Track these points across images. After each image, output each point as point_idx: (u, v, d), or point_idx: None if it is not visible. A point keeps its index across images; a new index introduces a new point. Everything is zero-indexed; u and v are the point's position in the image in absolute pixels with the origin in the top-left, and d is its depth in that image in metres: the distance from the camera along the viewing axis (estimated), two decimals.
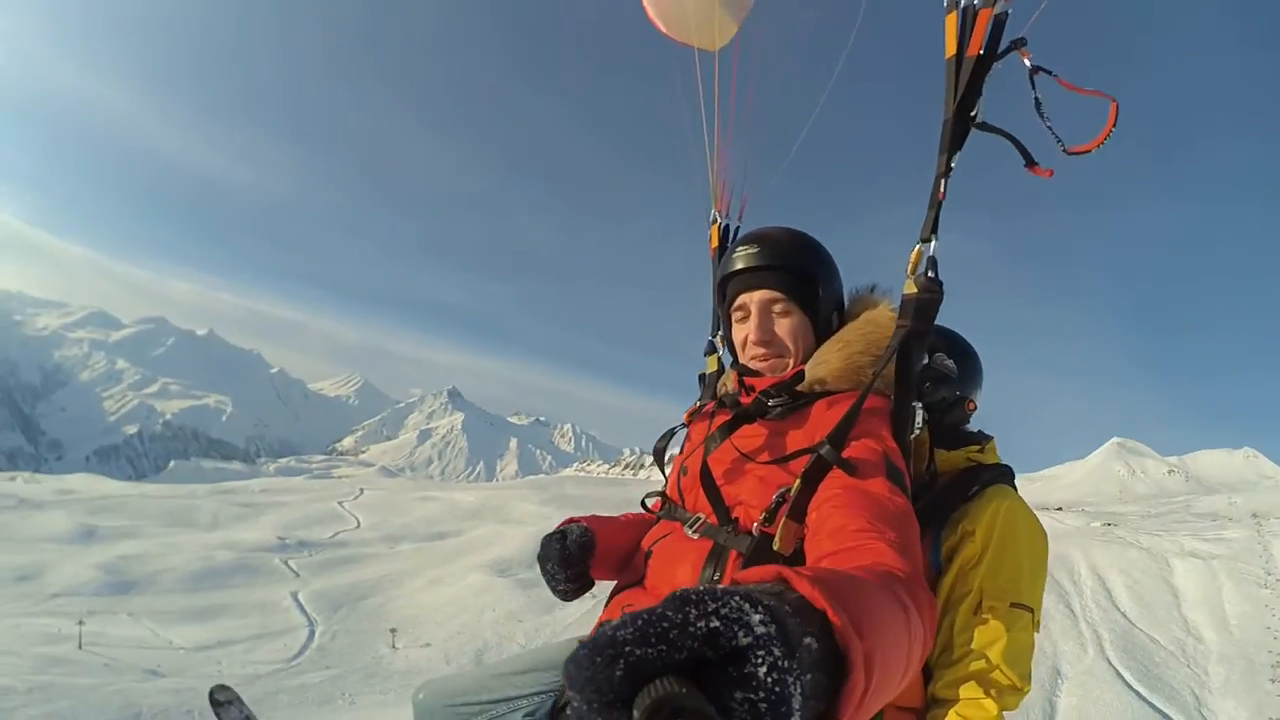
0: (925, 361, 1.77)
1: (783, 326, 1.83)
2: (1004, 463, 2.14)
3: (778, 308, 1.83)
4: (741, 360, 1.92)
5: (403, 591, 27.61)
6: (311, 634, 22.57)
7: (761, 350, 1.84)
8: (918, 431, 1.73)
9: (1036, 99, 1.65)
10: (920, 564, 1.27)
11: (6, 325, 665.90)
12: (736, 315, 1.90)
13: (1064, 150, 1.62)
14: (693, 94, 2.51)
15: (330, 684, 16.77)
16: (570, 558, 1.81)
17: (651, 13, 2.72)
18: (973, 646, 1.73)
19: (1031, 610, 1.80)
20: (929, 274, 1.71)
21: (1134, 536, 18.44)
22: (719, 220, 2.59)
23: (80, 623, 19.16)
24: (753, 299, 1.84)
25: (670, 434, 2.12)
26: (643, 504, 2.06)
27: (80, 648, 18.05)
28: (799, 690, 0.56)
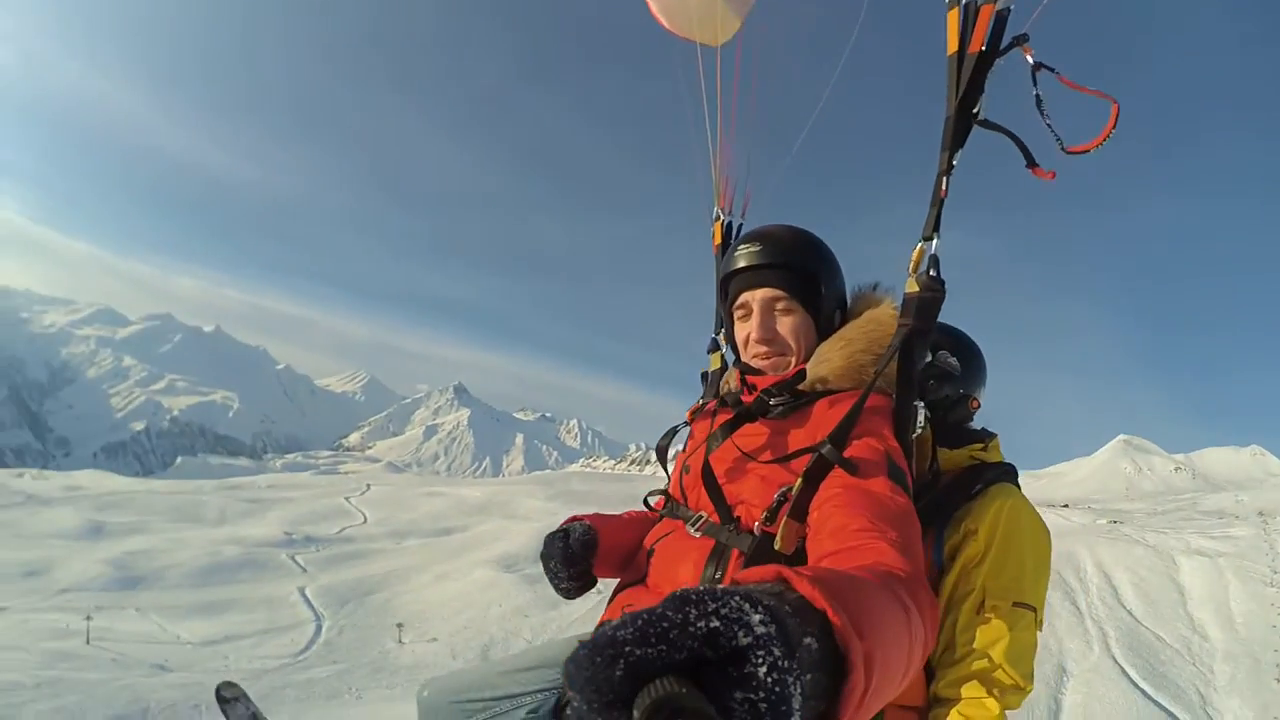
0: (929, 359, 1.77)
1: (785, 325, 1.82)
2: (1007, 461, 2.14)
3: (780, 306, 1.82)
4: (744, 358, 1.92)
5: (409, 587, 27.68)
6: (318, 629, 22.65)
7: (763, 349, 1.83)
8: (920, 430, 1.72)
9: (1038, 96, 1.64)
10: (921, 564, 1.26)
11: (13, 323, 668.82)
12: (738, 313, 1.89)
13: (1063, 149, 1.62)
14: (695, 90, 2.50)
15: (337, 679, 16.83)
16: (573, 556, 1.82)
17: (654, 8, 2.71)
18: (975, 646, 1.73)
19: (1034, 609, 1.79)
20: (931, 272, 1.71)
21: (1140, 534, 18.37)
22: (722, 217, 2.57)
23: (88, 618, 19.26)
24: (755, 297, 1.83)
25: (673, 432, 2.12)
26: (645, 502, 2.07)
27: (88, 643, 18.14)
28: (799, 690, 0.56)
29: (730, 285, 1.90)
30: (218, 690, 2.59)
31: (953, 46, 1.69)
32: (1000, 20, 1.64)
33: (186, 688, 14.15)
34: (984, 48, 1.65)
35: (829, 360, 1.77)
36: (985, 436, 2.16)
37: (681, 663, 0.54)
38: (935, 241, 1.72)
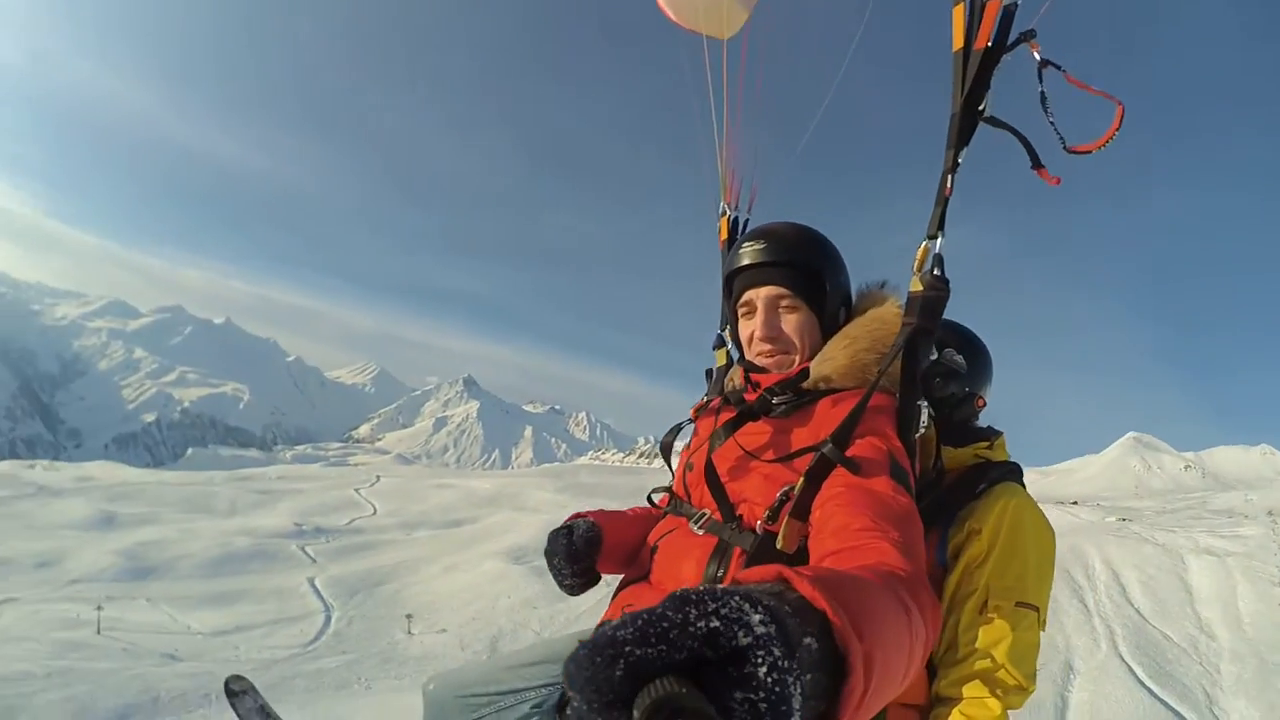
0: (934, 357, 1.76)
1: (789, 323, 1.82)
2: (1012, 460, 2.14)
3: (784, 304, 1.82)
4: (748, 356, 1.92)
5: (419, 578, 27.78)
6: (328, 620, 22.75)
7: (767, 346, 1.83)
8: (923, 430, 1.71)
9: (1043, 93, 1.62)
10: (923, 564, 1.26)
11: (25, 315, 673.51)
12: (743, 311, 1.89)
13: (1065, 148, 1.60)
14: (702, 84, 2.48)
15: (346, 669, 16.89)
16: (576, 553, 1.82)
17: (661, 0, 2.70)
18: (978, 645, 1.73)
19: (1037, 609, 1.79)
20: (935, 271, 1.70)
21: (1149, 532, 18.27)
22: (728, 212, 2.56)
23: (99, 608, 19.39)
24: (759, 295, 1.83)
25: (677, 429, 2.12)
26: (649, 499, 2.08)
27: (99, 633, 18.27)
28: (799, 690, 0.56)
29: (734, 283, 1.89)
30: (226, 684, 2.62)
31: (958, 42, 1.67)
32: (1007, 15, 1.62)
33: (197, 677, 14.24)
34: (990, 43, 1.63)
35: (832, 359, 1.76)
36: (990, 435, 2.15)
37: (681, 663, 0.54)
38: (940, 240, 1.71)
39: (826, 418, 1.68)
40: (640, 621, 0.55)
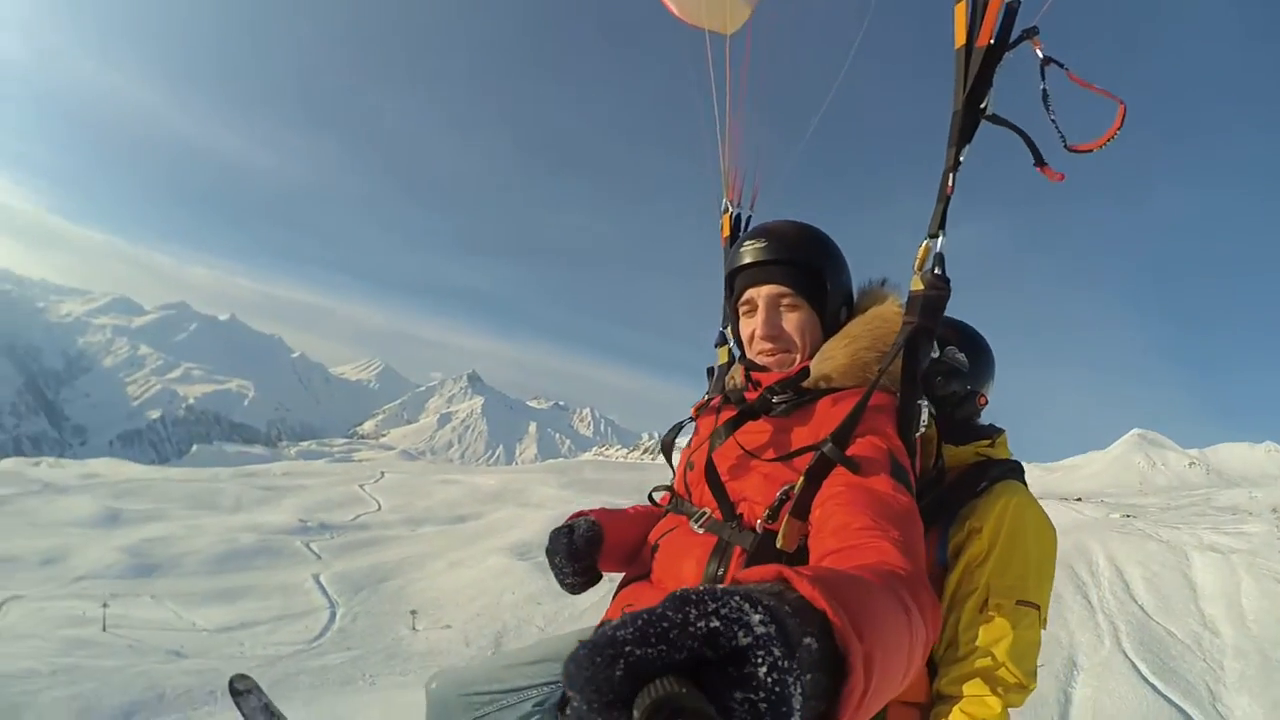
0: (936, 355, 1.76)
1: (790, 321, 1.82)
2: (1014, 458, 2.13)
3: (785, 302, 1.81)
4: (749, 355, 1.91)
5: (423, 574, 27.81)
6: (333, 616, 22.79)
7: (768, 345, 1.83)
8: (924, 429, 1.71)
9: (1044, 91, 1.61)
10: (923, 563, 1.25)
11: (29, 312, 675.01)
12: (744, 309, 1.89)
13: (1066, 147, 1.60)
14: (704, 80, 2.48)
15: (351, 665, 16.95)
16: (577, 552, 1.83)
17: None
18: (978, 644, 1.73)
19: (1038, 608, 1.78)
20: (936, 271, 1.69)
21: (1153, 529, 18.24)
22: (731, 209, 2.57)
23: (105, 605, 19.46)
24: (760, 294, 1.83)
25: (678, 428, 2.13)
26: (650, 497, 2.08)
27: (104, 630, 18.33)
28: (799, 690, 0.56)
29: (736, 281, 1.89)
30: (231, 683, 2.63)
31: (960, 40, 1.66)
32: (1009, 13, 1.61)
33: (202, 674, 14.31)
34: (992, 41, 1.62)
35: (833, 358, 1.76)
36: (992, 433, 2.15)
37: (681, 663, 0.54)
38: (941, 239, 1.70)
39: (827, 417, 1.68)
40: (640, 621, 0.55)
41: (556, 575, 1.88)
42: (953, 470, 2.02)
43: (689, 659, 0.54)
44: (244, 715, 2.57)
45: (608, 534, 1.89)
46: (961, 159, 1.68)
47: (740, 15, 2.56)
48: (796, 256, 1.81)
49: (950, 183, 1.68)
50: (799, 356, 1.83)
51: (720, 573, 1.60)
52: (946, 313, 1.72)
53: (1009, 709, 1.69)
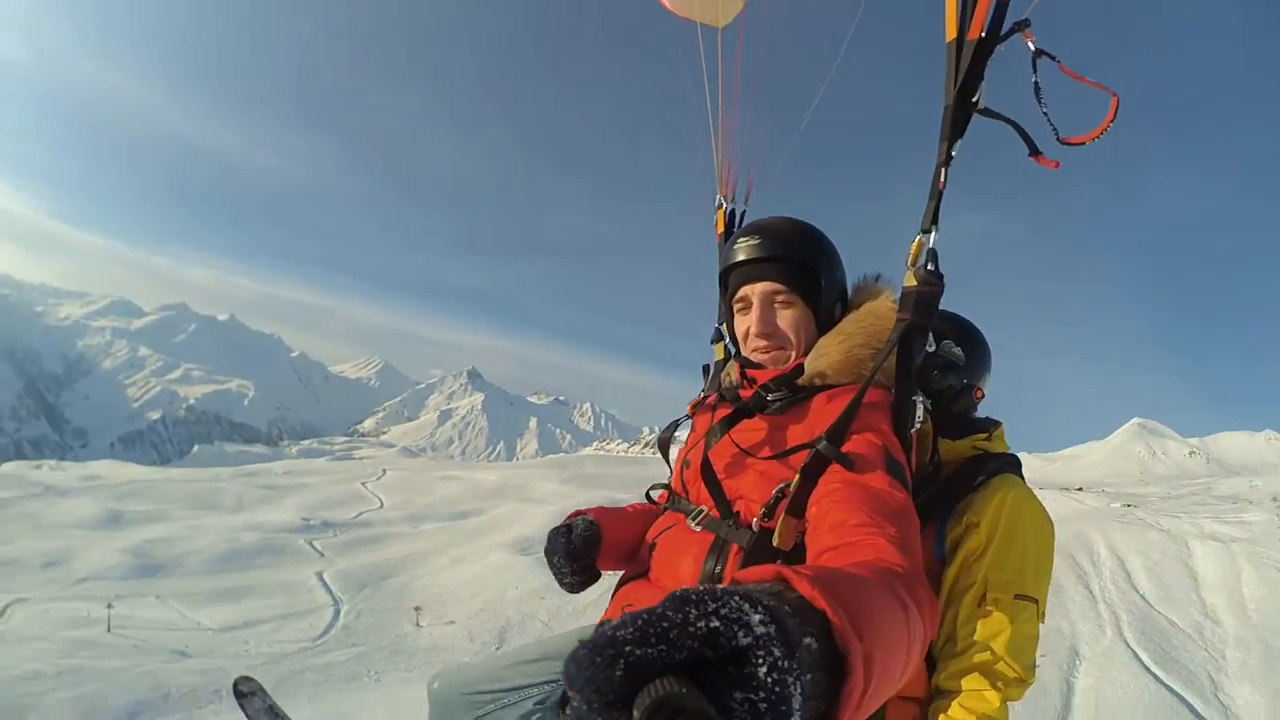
0: (932, 349, 1.75)
1: (784, 318, 1.81)
2: (1011, 450, 2.12)
3: (779, 299, 1.81)
4: (744, 352, 1.91)
5: (426, 570, 27.82)
6: (336, 613, 22.80)
7: (763, 343, 1.83)
8: (919, 425, 1.70)
9: (1036, 84, 1.61)
10: (920, 560, 1.25)
11: (28, 316, 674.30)
12: (738, 307, 1.88)
13: (1059, 140, 1.59)
14: (696, 73, 2.46)
15: (355, 662, 16.97)
16: (575, 551, 1.83)
17: None
18: (976, 638, 1.73)
19: (1036, 602, 1.78)
20: (929, 266, 1.68)
21: (1154, 518, 18.25)
22: (724, 205, 2.56)
23: (109, 606, 19.48)
24: (754, 291, 1.82)
25: (675, 426, 2.13)
26: (648, 495, 2.08)
27: (109, 630, 18.36)
28: (799, 690, 0.56)
29: (730, 278, 1.89)
30: (235, 685, 2.65)
31: (951, 33, 1.65)
32: (1000, 5, 1.60)
33: (207, 673, 14.33)
34: (984, 34, 1.61)
35: (827, 355, 1.76)
36: (989, 426, 2.14)
37: (681, 663, 0.53)
38: (934, 235, 1.69)
39: (822, 414, 1.67)
40: (640, 621, 0.55)
41: (555, 574, 1.88)
42: (949, 464, 2.01)
43: (689, 659, 0.54)
44: (249, 717, 2.58)
45: (606, 533, 1.89)
46: (954, 154, 1.67)
47: (732, 8, 2.55)
48: (790, 253, 1.80)
49: (942, 178, 1.67)
50: (794, 354, 1.82)
51: (718, 570, 1.60)
52: (942, 306, 1.71)
53: (1008, 703, 1.69)
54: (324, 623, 21.86)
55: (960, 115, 1.65)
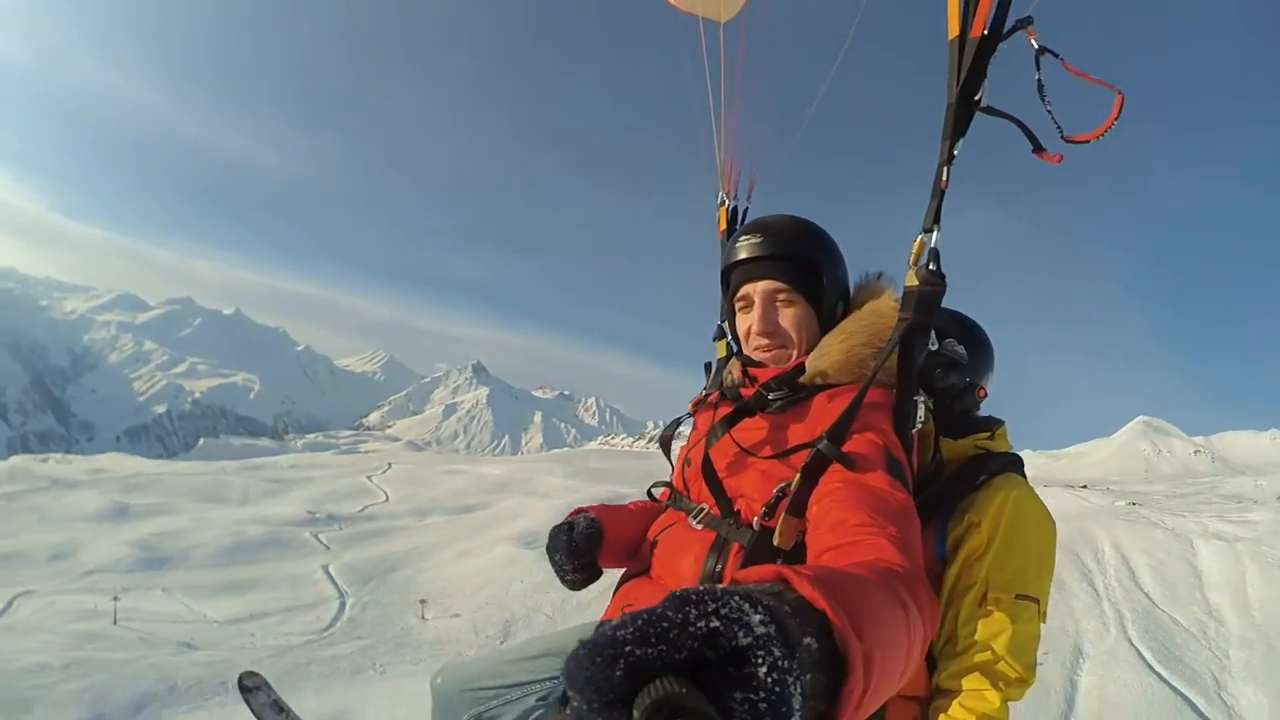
0: (935, 347, 1.74)
1: (786, 317, 1.81)
2: (1013, 450, 2.12)
3: (781, 298, 1.81)
4: (745, 351, 1.91)
5: (431, 563, 27.84)
6: (342, 606, 22.84)
7: (765, 341, 1.82)
8: (920, 425, 1.70)
9: (1040, 81, 1.59)
10: (920, 560, 1.25)
11: (34, 310, 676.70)
12: (740, 305, 1.88)
13: (1063, 138, 1.58)
14: (699, 69, 2.46)
15: (361, 654, 17.01)
16: (577, 549, 1.84)
17: None
18: (977, 638, 1.72)
19: (1038, 602, 1.78)
20: (931, 266, 1.67)
21: (1158, 516, 18.19)
22: (727, 202, 2.55)
23: (115, 599, 19.55)
24: (756, 289, 1.82)
25: (676, 424, 2.13)
26: (649, 493, 2.08)
27: (115, 623, 18.42)
28: (799, 690, 0.56)
29: (732, 277, 1.88)
30: (240, 680, 2.67)
31: (954, 30, 1.63)
32: (1003, 2, 1.58)
33: (213, 665, 14.38)
34: (986, 31, 1.59)
35: (828, 354, 1.75)
36: (991, 425, 2.13)
37: (681, 663, 0.53)
38: (935, 234, 1.67)
39: (823, 413, 1.67)
40: (640, 621, 0.55)
41: (557, 572, 1.89)
42: (951, 463, 2.01)
43: (689, 659, 0.54)
44: (253, 711, 2.60)
45: (607, 530, 1.89)
46: (956, 152, 1.65)
47: (735, 2, 2.53)
48: (792, 251, 1.80)
49: (945, 176, 1.66)
50: (795, 352, 1.82)
51: (718, 569, 1.60)
52: (945, 304, 1.70)
53: (1008, 703, 1.69)
54: (329, 615, 21.91)
55: (963, 113, 1.63)
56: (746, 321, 1.86)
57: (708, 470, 1.74)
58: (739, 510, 1.67)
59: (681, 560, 1.69)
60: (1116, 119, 1.53)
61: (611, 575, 1.99)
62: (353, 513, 38.44)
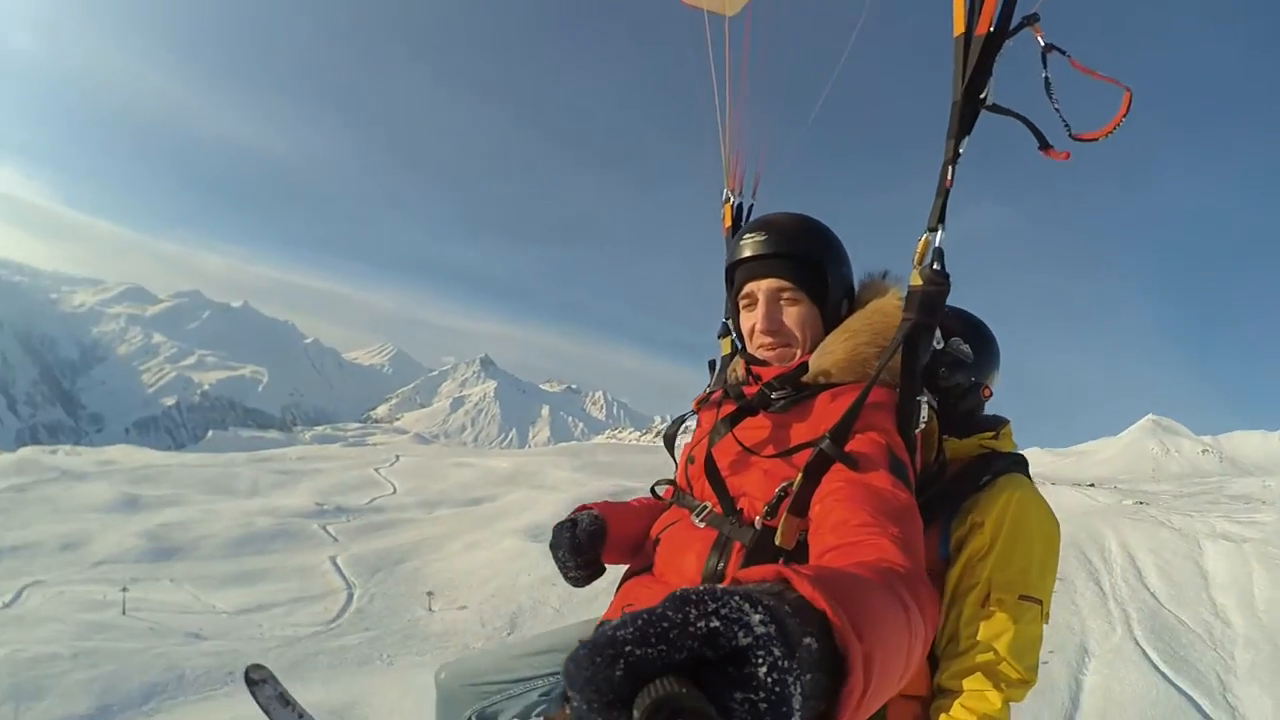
0: (940, 346, 1.74)
1: (790, 315, 1.80)
2: (1018, 450, 2.11)
3: (785, 296, 1.80)
4: (749, 349, 1.90)
5: (439, 556, 27.87)
6: (350, 597, 22.91)
7: (768, 339, 1.82)
8: (923, 425, 1.69)
9: (1047, 79, 1.57)
10: (922, 560, 1.24)
11: (44, 303, 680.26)
12: (744, 303, 1.87)
13: (1071, 136, 1.56)
14: (704, 64, 2.43)
15: (368, 646, 17.07)
16: (580, 546, 1.84)
17: None
18: (979, 638, 1.72)
19: (1040, 602, 1.77)
20: (935, 266, 1.65)
21: (1166, 516, 18.12)
22: (732, 198, 2.53)
23: (124, 589, 19.66)
24: (760, 287, 1.81)
25: (680, 421, 2.14)
26: (653, 491, 2.07)
27: (124, 613, 18.52)
28: (799, 690, 0.56)
29: (736, 274, 1.88)
30: (246, 673, 2.68)
31: (959, 28, 1.62)
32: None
33: (221, 655, 14.45)
34: (992, 28, 1.58)
35: (832, 353, 1.75)
36: (996, 424, 2.12)
37: (681, 663, 0.54)
38: (940, 233, 1.66)
39: (825, 412, 1.66)
40: (640, 621, 0.55)
41: (560, 568, 1.89)
42: (955, 463, 2.00)
43: (689, 659, 0.54)
44: (260, 704, 2.61)
45: (611, 528, 1.90)
46: (961, 151, 1.63)
47: None
48: (796, 250, 1.80)
49: (950, 175, 1.64)
50: (799, 351, 1.82)
51: (720, 567, 1.60)
52: (950, 302, 1.69)
53: (1010, 703, 1.69)
54: (337, 607, 21.99)
55: (968, 111, 1.62)
56: (750, 319, 1.85)
57: (710, 469, 1.74)
58: (741, 509, 1.67)
59: (684, 558, 1.69)
60: (1125, 116, 1.51)
61: (615, 571, 1.99)
62: (361, 505, 38.54)
